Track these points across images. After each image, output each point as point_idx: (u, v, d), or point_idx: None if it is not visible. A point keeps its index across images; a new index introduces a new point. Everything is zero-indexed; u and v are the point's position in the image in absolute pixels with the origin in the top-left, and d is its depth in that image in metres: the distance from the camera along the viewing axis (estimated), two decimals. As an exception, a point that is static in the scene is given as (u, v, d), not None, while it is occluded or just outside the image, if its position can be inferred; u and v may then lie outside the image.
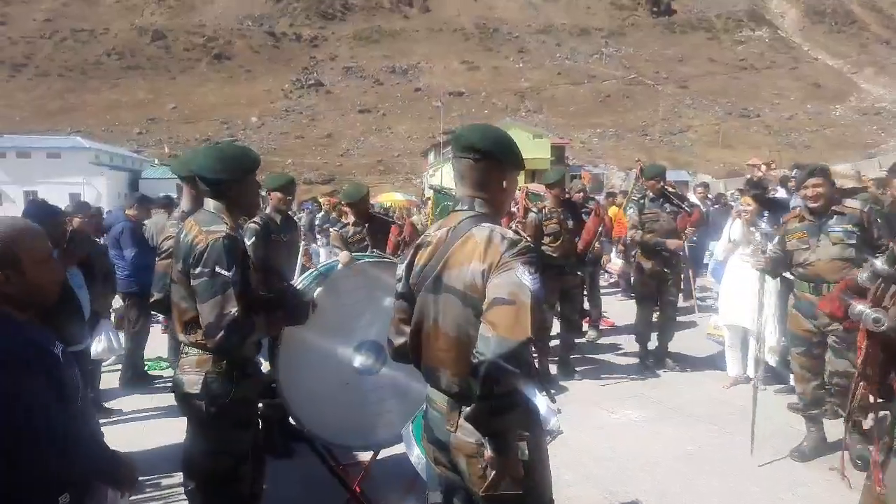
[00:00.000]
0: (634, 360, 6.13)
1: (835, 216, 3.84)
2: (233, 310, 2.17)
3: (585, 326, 7.40)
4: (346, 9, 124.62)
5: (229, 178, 2.33)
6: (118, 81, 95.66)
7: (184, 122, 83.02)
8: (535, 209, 5.71)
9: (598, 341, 7.19)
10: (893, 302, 1.68)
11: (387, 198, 32.87)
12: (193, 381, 2.30)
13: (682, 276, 6.54)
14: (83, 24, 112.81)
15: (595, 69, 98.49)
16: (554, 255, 5.56)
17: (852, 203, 3.89)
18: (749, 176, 10.41)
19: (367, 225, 5.11)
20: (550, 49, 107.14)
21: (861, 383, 1.75)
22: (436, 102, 66.55)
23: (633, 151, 70.72)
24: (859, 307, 1.78)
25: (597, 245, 6.70)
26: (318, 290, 2.79)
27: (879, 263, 1.78)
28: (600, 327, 7.57)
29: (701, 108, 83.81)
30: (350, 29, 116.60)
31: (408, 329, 1.89)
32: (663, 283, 5.88)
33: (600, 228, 6.62)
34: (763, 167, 7.91)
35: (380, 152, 74.97)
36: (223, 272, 2.19)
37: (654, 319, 6.08)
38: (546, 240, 5.58)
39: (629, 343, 6.59)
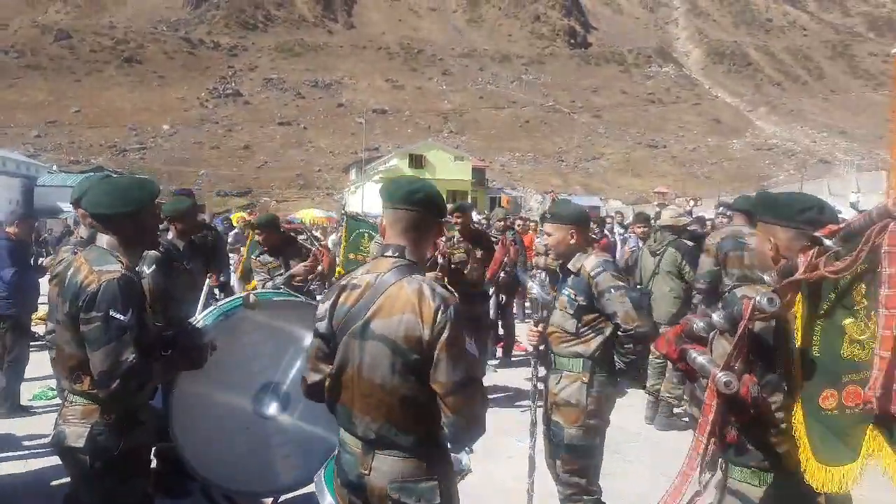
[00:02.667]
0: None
1: (571, 275, 3.11)
2: (130, 357, 2.03)
3: (499, 352, 7.52)
4: (269, 20, 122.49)
5: (122, 213, 2.17)
6: (15, 81, 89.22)
7: (88, 126, 78.30)
8: (442, 238, 5.77)
9: (511, 368, 7.30)
10: (738, 360, 1.78)
11: (306, 214, 32.26)
12: (78, 434, 2.11)
13: None
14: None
15: (515, 95, 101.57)
16: (461, 283, 5.62)
17: (587, 263, 3.03)
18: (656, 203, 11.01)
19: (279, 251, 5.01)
20: (473, 73, 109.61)
21: (711, 440, 1.87)
22: (359, 119, 66.39)
23: (550, 176, 73.33)
24: (700, 359, 1.89)
25: (502, 274, 6.86)
26: (214, 332, 2.66)
27: (716, 317, 1.88)
28: (513, 353, 7.70)
29: (613, 137, 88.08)
30: (272, 40, 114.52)
31: (325, 368, 1.89)
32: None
33: (505, 259, 6.83)
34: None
35: (300, 166, 73.66)
36: (118, 316, 2.04)
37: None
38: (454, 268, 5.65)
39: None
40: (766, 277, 1.88)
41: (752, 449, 1.95)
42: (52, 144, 72.02)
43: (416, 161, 51.96)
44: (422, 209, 1.89)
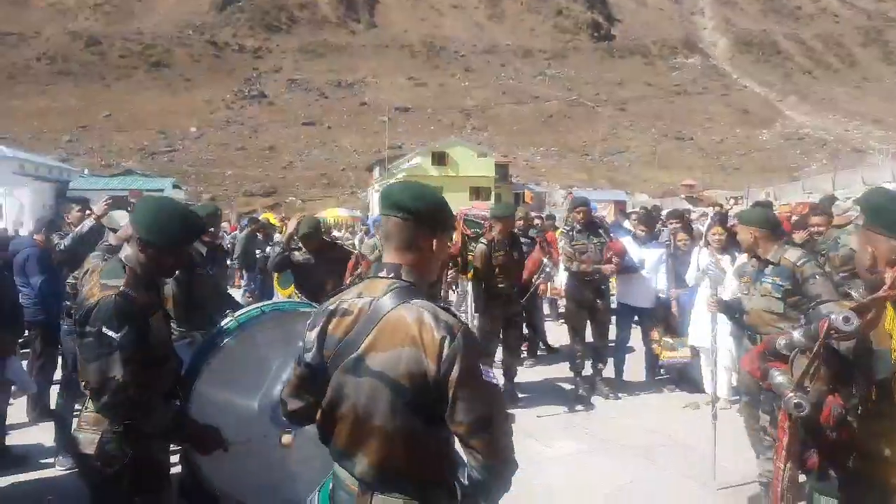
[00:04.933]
0: (570, 388, 6.18)
1: (770, 265, 3.70)
2: (117, 375, 2.02)
3: (524, 353, 7.44)
4: (292, 21, 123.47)
5: (160, 244, 2.22)
6: (48, 87, 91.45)
7: (118, 130, 79.89)
8: (484, 241, 5.75)
9: (538, 367, 7.22)
10: (813, 379, 1.66)
11: (330, 213, 32.44)
12: (90, 440, 2.13)
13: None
14: (12, 28, 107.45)
15: (538, 90, 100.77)
16: (501, 285, 5.63)
17: (789, 255, 3.63)
18: (716, 208, 10.78)
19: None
20: (495, 69, 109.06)
21: (788, 463, 1.73)
22: (382, 117, 66.59)
23: (575, 171, 72.61)
24: (778, 379, 1.74)
25: (541, 278, 6.77)
26: (233, 342, 2.65)
27: (797, 335, 1.73)
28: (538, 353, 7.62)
29: (638, 129, 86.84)
30: (295, 42, 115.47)
31: (309, 396, 1.72)
32: (595, 311, 6.01)
33: (546, 259, 6.73)
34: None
35: (324, 165, 74.17)
36: (110, 333, 2.03)
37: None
38: (496, 271, 5.65)
39: (566, 370, 6.64)
40: (853, 293, 1.76)
41: (835, 477, 1.82)
42: (84, 149, 73.66)
43: (439, 158, 51.85)
44: (420, 219, 1.65)
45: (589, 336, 6.23)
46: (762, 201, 9.98)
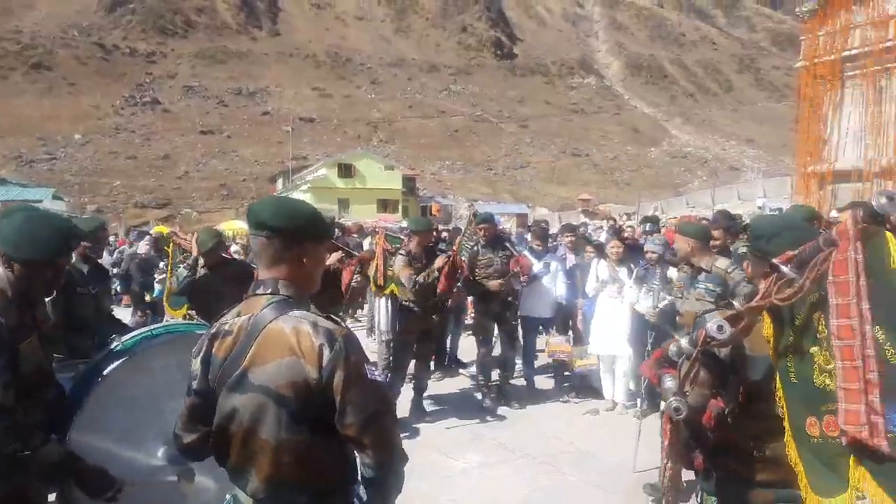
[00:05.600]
0: (479, 400, 6.26)
1: (703, 273, 4.15)
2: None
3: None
4: (188, 26, 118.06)
5: (30, 259, 2.04)
6: None
7: (-11, 135, 72.88)
8: (403, 252, 5.73)
9: (445, 380, 7.24)
10: (692, 385, 1.77)
11: (229, 226, 31.11)
12: None
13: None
14: None
15: (444, 104, 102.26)
16: (413, 299, 5.62)
17: (720, 263, 4.16)
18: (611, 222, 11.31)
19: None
20: (402, 82, 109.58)
21: (668, 463, 1.83)
22: (285, 127, 64.87)
23: (479, 184, 74.15)
24: (668, 384, 1.84)
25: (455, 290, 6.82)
26: (121, 373, 2.43)
27: (684, 342, 1.82)
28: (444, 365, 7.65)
29: (539, 146, 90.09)
30: (192, 47, 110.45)
31: (202, 427, 1.67)
32: (502, 322, 6.15)
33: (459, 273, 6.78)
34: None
35: (223, 176, 71.21)
36: None
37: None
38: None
39: (473, 382, 6.74)
40: (735, 303, 1.89)
41: (718, 476, 1.92)
42: (-53, 155, 66.59)
43: (346, 170, 51.32)
44: (284, 235, 1.64)
45: (497, 348, 6.35)
46: (688, 219, 10.56)
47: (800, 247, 1.66)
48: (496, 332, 6.34)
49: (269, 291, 1.64)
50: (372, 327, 7.65)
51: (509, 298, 6.18)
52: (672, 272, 5.75)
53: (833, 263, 1.44)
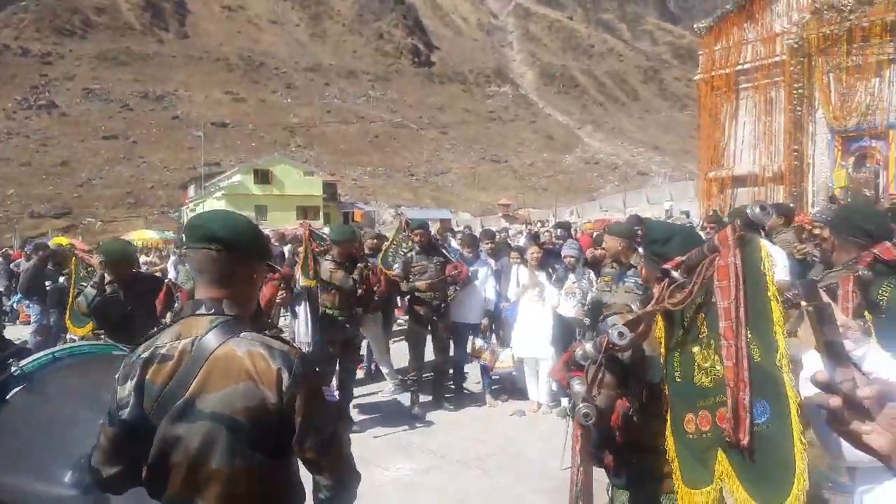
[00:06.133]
0: (408, 406, 6.24)
1: (632, 269, 4.52)
2: None
3: (361, 374, 7.38)
4: (88, 26, 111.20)
5: None
6: None
7: None
8: (329, 257, 5.63)
9: (374, 387, 7.18)
10: (599, 388, 1.84)
11: (138, 236, 29.45)
12: None
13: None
14: None
15: (363, 110, 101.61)
16: (337, 308, 5.54)
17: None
18: (529, 227, 11.57)
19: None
20: (319, 87, 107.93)
21: (580, 467, 1.89)
22: (196, 132, 62.28)
23: (401, 190, 74.15)
24: (577, 388, 1.89)
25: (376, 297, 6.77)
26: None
27: (589, 347, 1.86)
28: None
29: (459, 152, 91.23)
30: (92, 48, 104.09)
31: (125, 459, 1.55)
32: (435, 328, 6.18)
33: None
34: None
35: (129, 183, 67.50)
36: None
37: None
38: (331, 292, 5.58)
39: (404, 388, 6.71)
40: (633, 306, 1.98)
41: (625, 472, 2.02)
42: None
43: (263, 176, 49.91)
44: (235, 250, 1.57)
45: (429, 354, 6.37)
46: (628, 219, 10.84)
47: (690, 250, 1.79)
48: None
49: (211, 312, 1.55)
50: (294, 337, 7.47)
51: (441, 305, 6.21)
52: (592, 274, 6.00)
53: (717, 269, 1.56)
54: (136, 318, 4.53)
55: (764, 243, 1.60)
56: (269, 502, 1.53)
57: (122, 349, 2.89)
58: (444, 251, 6.45)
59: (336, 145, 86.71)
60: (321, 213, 49.24)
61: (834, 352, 0.89)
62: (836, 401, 0.86)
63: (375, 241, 7.76)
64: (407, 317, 6.72)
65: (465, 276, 6.20)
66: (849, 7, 14.21)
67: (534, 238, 8.65)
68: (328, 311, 5.56)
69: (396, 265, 6.34)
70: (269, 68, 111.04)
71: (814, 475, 2.51)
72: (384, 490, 4.37)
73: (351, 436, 5.40)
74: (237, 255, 1.59)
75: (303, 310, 6.15)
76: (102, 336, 4.61)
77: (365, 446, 5.24)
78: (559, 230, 9.20)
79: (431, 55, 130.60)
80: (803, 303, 1.66)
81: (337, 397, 1.62)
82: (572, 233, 10.00)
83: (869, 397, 0.86)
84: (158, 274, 9.15)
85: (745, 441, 1.46)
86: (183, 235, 1.67)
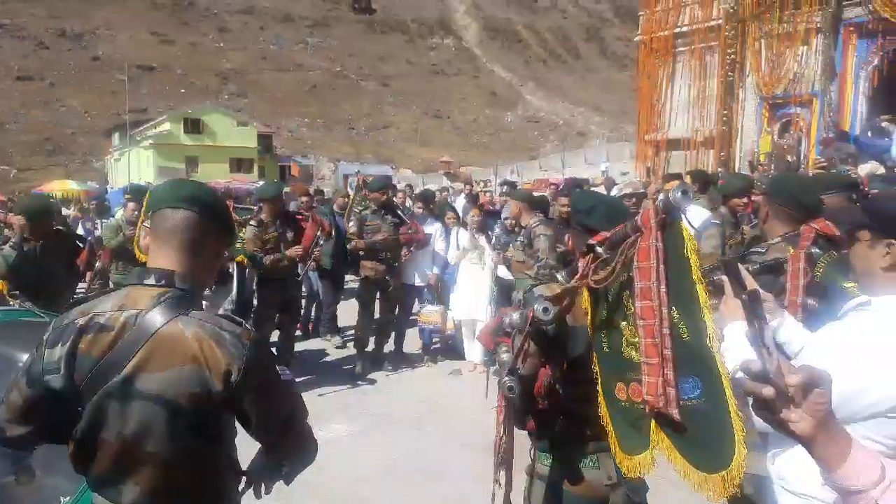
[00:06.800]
0: (351, 365, 6.28)
1: (524, 229, 5.26)
2: None
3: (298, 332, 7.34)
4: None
5: None
6: None
7: None
8: (254, 222, 5.50)
9: (321, 345, 7.16)
10: (524, 357, 1.88)
11: (59, 186, 27.66)
12: None
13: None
14: None
15: (301, 58, 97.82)
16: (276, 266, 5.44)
17: (531, 220, 5.30)
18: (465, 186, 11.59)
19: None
20: (254, 32, 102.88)
21: (503, 437, 1.94)
22: (120, 75, 58.55)
23: (341, 144, 72.51)
24: (503, 356, 1.94)
25: (316, 251, 6.68)
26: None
27: (516, 316, 1.87)
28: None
29: (401, 106, 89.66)
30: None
31: (36, 422, 1.47)
32: (384, 288, 6.17)
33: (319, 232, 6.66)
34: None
35: (47, 129, 63.12)
36: None
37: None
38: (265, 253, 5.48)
39: (347, 349, 6.77)
40: (559, 276, 2.01)
41: (550, 436, 2.10)
42: None
43: (193, 125, 47.67)
44: (214, 216, 1.53)
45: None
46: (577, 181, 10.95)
47: (613, 221, 1.84)
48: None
49: (161, 283, 1.44)
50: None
51: (393, 265, 6.19)
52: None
53: (638, 250, 1.61)
54: (55, 279, 4.31)
55: (686, 226, 1.64)
56: (204, 486, 1.49)
57: (39, 314, 2.76)
58: (399, 213, 6.44)
59: (272, 94, 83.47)
60: (255, 167, 47.71)
61: (763, 340, 0.89)
62: (769, 391, 0.88)
63: (346, 199, 7.81)
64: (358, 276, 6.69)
65: (421, 237, 6.21)
66: (783, -27, 14.58)
67: (474, 200, 8.71)
68: (266, 270, 5.47)
69: (351, 224, 6.30)
70: (199, 8, 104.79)
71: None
72: (322, 451, 4.38)
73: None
74: (215, 224, 1.53)
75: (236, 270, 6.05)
76: (18, 297, 4.37)
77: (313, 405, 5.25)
78: (506, 187, 9.31)
79: (372, 2, 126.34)
80: (725, 279, 1.74)
81: (291, 376, 1.57)
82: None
83: (796, 385, 0.88)
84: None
85: (675, 414, 1.54)
86: (158, 193, 1.55)
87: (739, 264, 1.70)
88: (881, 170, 8.85)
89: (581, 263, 1.84)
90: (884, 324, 1.54)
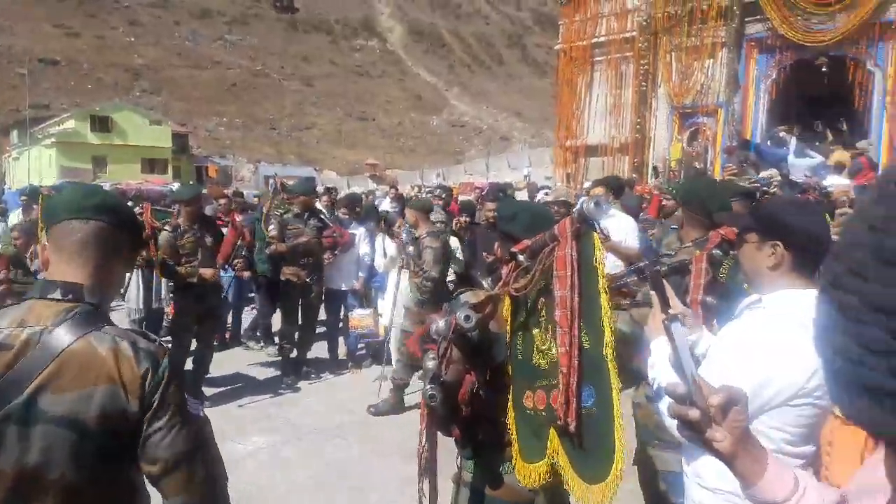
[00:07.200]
0: (273, 374, 6.10)
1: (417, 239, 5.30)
2: None
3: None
4: None
5: None
6: None
7: None
8: (168, 227, 5.19)
9: (240, 355, 6.89)
10: (448, 365, 1.88)
11: (-53, 187, 25.37)
12: None
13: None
14: None
15: (219, 55, 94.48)
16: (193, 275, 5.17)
17: (422, 230, 5.32)
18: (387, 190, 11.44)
19: None
20: (168, 26, 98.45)
21: (425, 446, 1.93)
22: (20, 69, 54.53)
23: (262, 144, 70.54)
24: (429, 364, 1.92)
25: (237, 262, 6.43)
26: None
27: (442, 324, 1.86)
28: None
29: (325, 107, 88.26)
30: None
31: None
32: (307, 292, 6.01)
33: (240, 242, 6.45)
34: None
35: (-66, 125, 57.93)
36: None
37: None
38: (181, 260, 5.20)
39: (268, 357, 6.56)
40: (484, 283, 2.02)
41: (474, 443, 2.10)
42: None
43: (101, 123, 45.07)
44: (125, 227, 1.44)
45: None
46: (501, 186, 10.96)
47: (534, 229, 1.88)
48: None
49: (68, 298, 1.34)
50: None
51: (316, 270, 6.05)
52: (455, 241, 6.12)
53: (556, 258, 1.65)
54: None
55: (597, 237, 1.69)
56: None
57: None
58: (322, 216, 6.29)
59: (188, 92, 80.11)
60: (170, 167, 45.65)
61: (683, 364, 0.92)
62: (695, 413, 0.91)
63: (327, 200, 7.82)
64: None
65: (345, 240, 6.11)
66: (691, -11, 15.43)
67: (400, 202, 8.65)
68: (183, 278, 5.20)
69: (271, 227, 6.08)
70: (108, 1, 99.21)
71: (642, 433, 2.81)
72: (241, 465, 4.24)
73: (207, 408, 5.18)
74: (127, 234, 1.45)
75: (134, 276, 5.77)
76: None
77: (222, 419, 5.03)
78: (443, 194, 9.23)
79: (295, 1, 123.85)
80: (651, 291, 1.79)
81: (202, 413, 1.45)
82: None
83: (717, 405, 0.91)
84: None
85: (572, 424, 1.57)
86: (59, 202, 1.41)
87: (664, 280, 1.76)
88: (778, 177, 9.52)
89: (504, 271, 1.85)
90: (775, 318, 1.64)
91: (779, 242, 1.68)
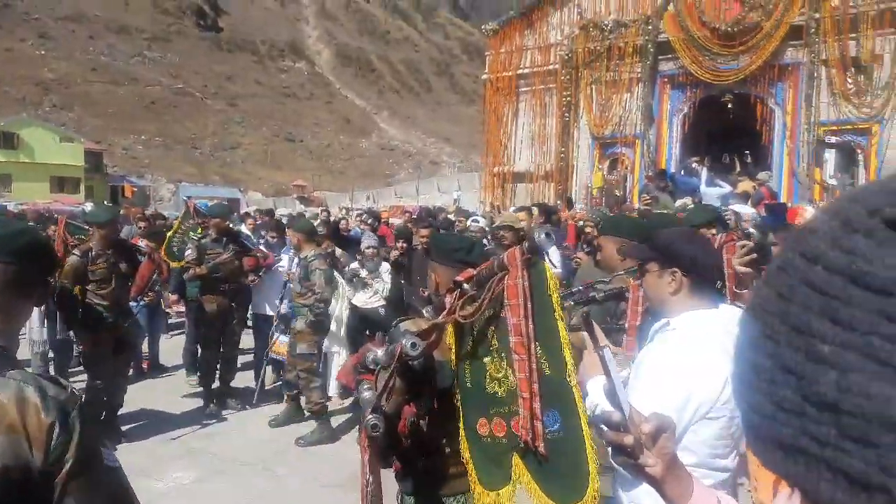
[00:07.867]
0: (195, 404, 5.84)
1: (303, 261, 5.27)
2: None
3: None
4: None
5: None
6: None
7: None
8: (78, 252, 4.88)
9: (155, 385, 6.54)
10: (390, 395, 1.87)
11: None
12: None
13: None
14: None
15: (137, 72, 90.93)
16: (104, 303, 4.89)
17: (308, 253, 5.24)
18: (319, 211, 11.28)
19: None
20: (82, 41, 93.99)
21: (369, 478, 1.90)
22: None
23: (183, 164, 68.08)
24: (365, 394, 1.88)
25: (150, 295, 6.15)
26: None
27: (381, 353, 1.85)
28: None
29: (250, 127, 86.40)
30: None
31: None
32: (229, 318, 5.82)
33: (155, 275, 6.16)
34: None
35: None
36: None
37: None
38: (91, 287, 4.88)
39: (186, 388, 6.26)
40: (424, 312, 2.03)
41: (413, 477, 2.08)
42: None
43: (7, 140, 42.28)
44: (29, 263, 1.32)
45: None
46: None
47: (486, 259, 1.93)
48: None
49: None
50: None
51: (238, 296, 5.90)
52: (385, 267, 6.10)
53: (507, 288, 1.70)
54: None
55: (548, 266, 1.77)
56: None
57: None
58: (242, 240, 6.13)
59: (103, 108, 76.45)
60: (82, 187, 43.28)
61: (618, 394, 0.99)
62: (629, 440, 0.96)
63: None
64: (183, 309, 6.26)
65: (269, 262, 5.98)
66: (609, 27, 16.29)
67: (335, 231, 8.48)
68: (96, 306, 4.91)
69: (188, 251, 5.84)
70: (15, 12, 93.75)
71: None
72: (160, 503, 4.03)
73: (122, 447, 4.89)
74: (42, 275, 1.35)
75: (35, 310, 5.41)
76: None
77: (139, 454, 4.77)
78: (370, 218, 9.16)
79: (219, 20, 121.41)
80: (587, 337, 1.86)
81: (118, 463, 1.35)
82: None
83: (648, 433, 0.97)
84: None
85: (541, 447, 1.61)
86: None
87: (593, 321, 1.83)
88: (691, 205, 10.09)
89: (448, 300, 1.88)
90: (686, 338, 1.76)
91: (677, 269, 1.80)
